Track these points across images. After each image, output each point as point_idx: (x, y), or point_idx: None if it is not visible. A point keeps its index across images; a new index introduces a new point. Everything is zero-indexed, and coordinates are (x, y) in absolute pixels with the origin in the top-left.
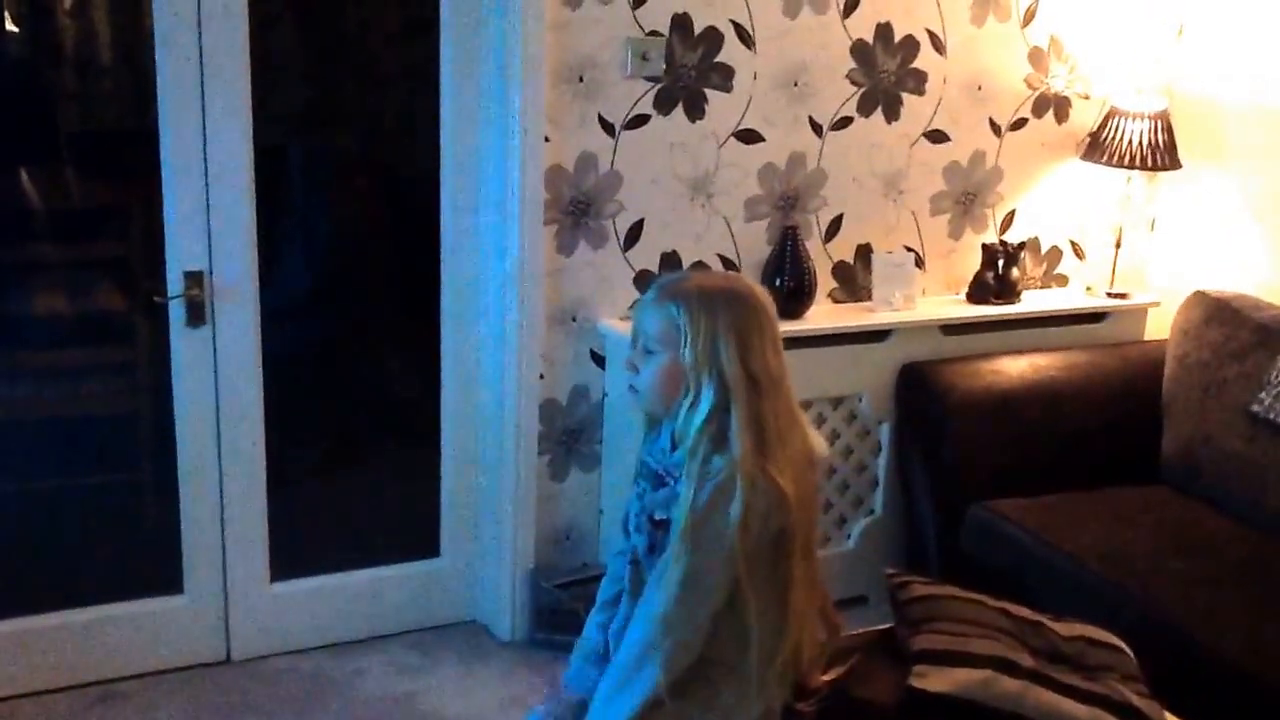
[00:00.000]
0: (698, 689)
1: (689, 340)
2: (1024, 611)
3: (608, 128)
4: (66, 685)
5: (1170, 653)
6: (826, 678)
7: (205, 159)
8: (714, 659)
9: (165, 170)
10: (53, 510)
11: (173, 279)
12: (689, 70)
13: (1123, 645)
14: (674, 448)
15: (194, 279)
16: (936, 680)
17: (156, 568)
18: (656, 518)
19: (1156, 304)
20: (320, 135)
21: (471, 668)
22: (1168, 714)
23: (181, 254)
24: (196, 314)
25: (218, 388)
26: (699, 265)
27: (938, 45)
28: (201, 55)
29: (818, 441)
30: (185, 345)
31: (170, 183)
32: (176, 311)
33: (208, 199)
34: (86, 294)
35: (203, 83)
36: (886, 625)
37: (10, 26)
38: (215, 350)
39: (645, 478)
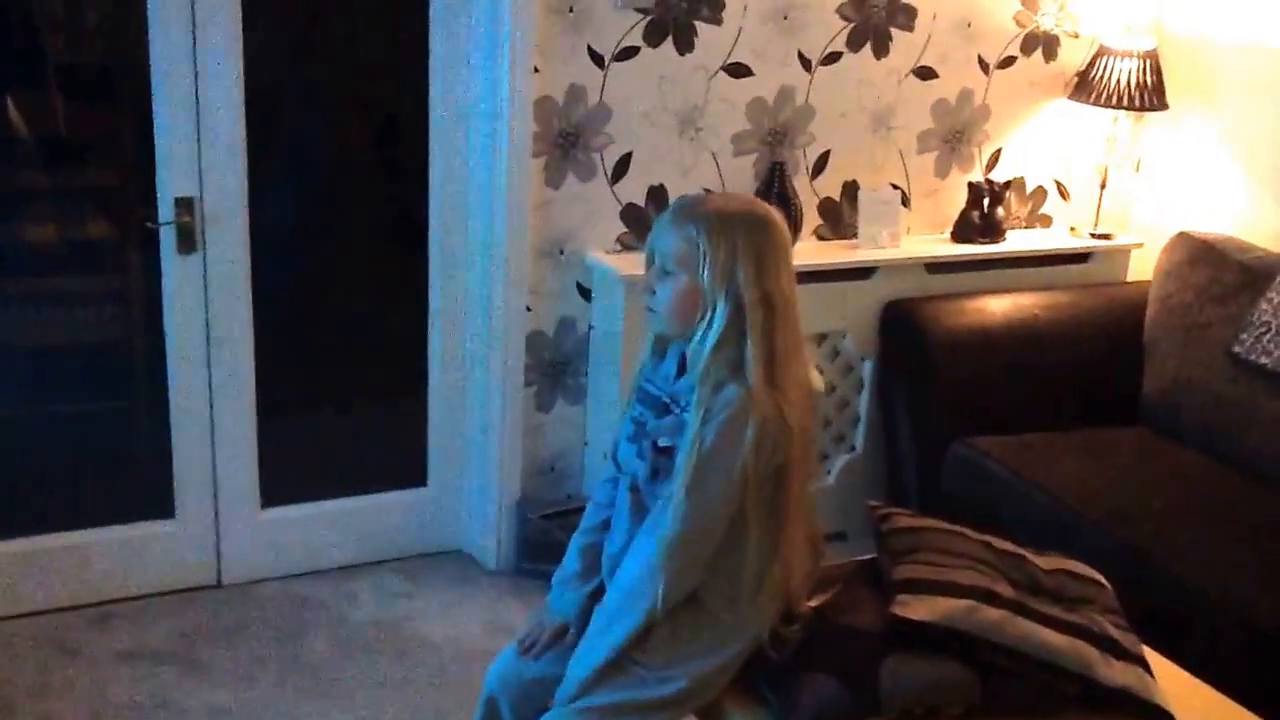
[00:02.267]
0: (690, 613)
1: (708, 261)
2: (1006, 545)
3: (597, 60)
4: (62, 606)
5: (1148, 588)
6: (811, 604)
7: (196, 87)
8: (708, 584)
9: (156, 97)
10: (46, 436)
11: (164, 205)
12: (679, 2)
13: (1102, 579)
14: (680, 373)
15: (185, 205)
16: (919, 609)
17: (148, 493)
18: (660, 444)
19: (1140, 245)
20: (310, 67)
21: (458, 595)
22: (1145, 646)
23: (172, 180)
24: (187, 240)
25: (208, 314)
26: None
27: None
28: None
29: (814, 377)
30: (176, 272)
31: (161, 109)
32: (167, 238)
33: (198, 125)
34: (78, 222)
35: (193, 11)
36: (869, 556)
37: None
38: (206, 277)
39: (646, 404)
